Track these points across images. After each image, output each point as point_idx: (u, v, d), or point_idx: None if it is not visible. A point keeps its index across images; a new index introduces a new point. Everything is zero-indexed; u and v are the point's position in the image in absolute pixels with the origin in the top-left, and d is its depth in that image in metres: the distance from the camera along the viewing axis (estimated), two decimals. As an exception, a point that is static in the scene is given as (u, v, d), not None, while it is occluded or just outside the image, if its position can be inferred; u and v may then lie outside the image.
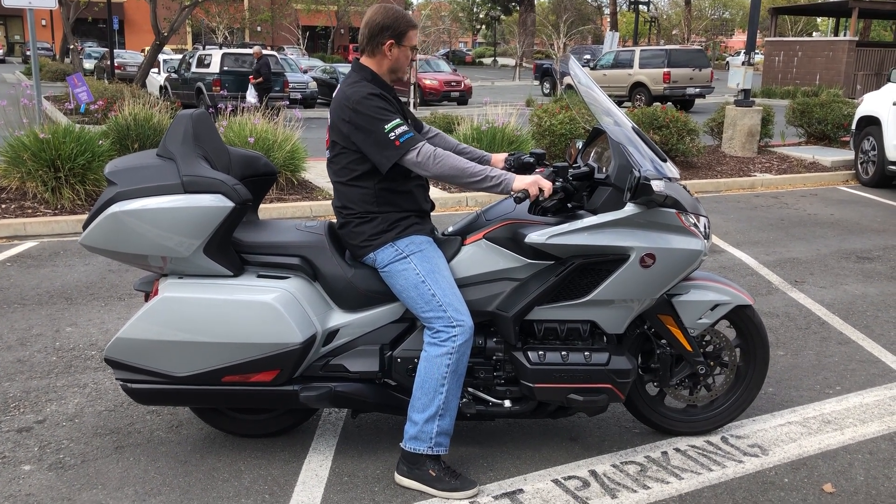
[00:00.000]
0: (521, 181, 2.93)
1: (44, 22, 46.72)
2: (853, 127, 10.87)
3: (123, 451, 3.33)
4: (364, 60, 3.09)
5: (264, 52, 18.40)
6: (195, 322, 2.96)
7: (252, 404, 3.14)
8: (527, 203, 3.14)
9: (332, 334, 3.12)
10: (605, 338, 3.21)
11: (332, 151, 3.09)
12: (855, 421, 3.70)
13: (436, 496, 3.00)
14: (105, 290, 5.53)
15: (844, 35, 33.52)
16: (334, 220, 3.26)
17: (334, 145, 3.07)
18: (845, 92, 22.25)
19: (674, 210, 3.06)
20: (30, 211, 7.51)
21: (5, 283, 5.64)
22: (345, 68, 25.15)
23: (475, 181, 2.95)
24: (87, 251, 6.36)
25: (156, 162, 3.02)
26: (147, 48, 24.69)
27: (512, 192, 2.94)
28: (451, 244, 3.17)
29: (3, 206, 7.60)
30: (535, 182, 2.92)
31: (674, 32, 60.80)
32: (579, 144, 3.56)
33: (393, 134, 2.92)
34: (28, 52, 42.25)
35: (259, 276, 3.09)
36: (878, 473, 3.25)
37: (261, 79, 17.61)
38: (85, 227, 2.97)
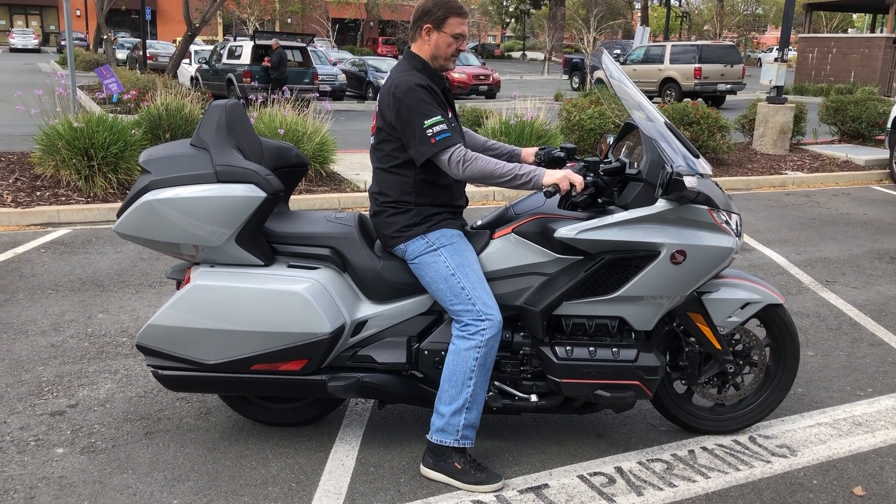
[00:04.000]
0: (551, 176, 2.91)
1: (78, 12, 47.30)
2: (888, 125, 10.69)
3: (153, 436, 3.38)
4: (412, 47, 3.11)
5: (281, 42, 18.68)
6: (226, 310, 2.99)
7: (280, 393, 3.17)
8: (556, 197, 3.13)
9: (360, 325, 3.14)
10: (633, 334, 3.19)
11: (377, 138, 3.10)
12: (887, 424, 3.65)
13: (461, 489, 3.00)
14: (136, 277, 5.60)
15: (881, 32, 32.93)
16: (363, 212, 3.27)
17: (379, 131, 3.08)
18: (881, 90, 21.87)
19: (706, 206, 3.03)
20: (63, 198, 7.63)
21: (39, 269, 5.74)
22: (374, 61, 25.18)
23: (505, 181, 2.94)
24: (119, 239, 6.47)
25: (190, 151, 3.06)
26: (179, 39, 24.89)
27: (542, 187, 2.93)
28: (479, 238, 3.17)
29: (38, 193, 7.72)
30: (566, 177, 2.90)
31: (705, 28, 60.08)
32: (610, 139, 3.54)
33: (431, 131, 2.91)
34: (63, 42, 42.82)
35: (289, 267, 3.11)
36: (909, 477, 3.21)
37: (270, 65, 17.90)
38: (119, 214, 3.01)
